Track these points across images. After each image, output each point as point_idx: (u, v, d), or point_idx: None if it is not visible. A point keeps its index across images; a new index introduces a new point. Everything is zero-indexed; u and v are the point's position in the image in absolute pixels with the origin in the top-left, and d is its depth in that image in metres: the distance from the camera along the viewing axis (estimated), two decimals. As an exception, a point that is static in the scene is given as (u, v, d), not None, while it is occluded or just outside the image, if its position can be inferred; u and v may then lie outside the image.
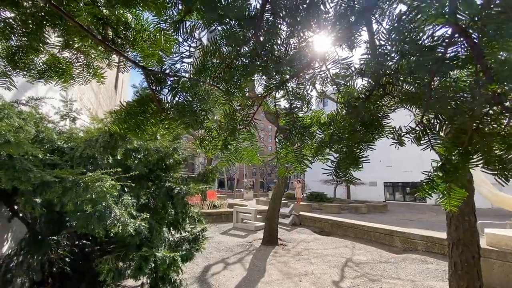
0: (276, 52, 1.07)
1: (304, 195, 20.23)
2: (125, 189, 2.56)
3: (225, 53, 1.08)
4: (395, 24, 0.78)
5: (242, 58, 1.07)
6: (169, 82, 1.10)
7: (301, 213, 10.62)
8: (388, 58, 0.86)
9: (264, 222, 9.00)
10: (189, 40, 1.07)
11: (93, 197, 1.75)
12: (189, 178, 3.60)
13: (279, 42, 1.05)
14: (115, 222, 2.02)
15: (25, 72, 1.18)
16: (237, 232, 8.63)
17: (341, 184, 28.44)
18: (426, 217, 14.61)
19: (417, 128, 1.04)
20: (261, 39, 1.00)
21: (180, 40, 1.08)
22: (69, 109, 3.25)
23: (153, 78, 1.07)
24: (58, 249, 3.04)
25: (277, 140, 1.37)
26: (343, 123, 1.12)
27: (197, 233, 3.64)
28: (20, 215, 2.70)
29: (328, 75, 1.16)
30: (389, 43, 0.82)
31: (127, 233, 2.02)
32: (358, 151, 1.11)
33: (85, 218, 1.94)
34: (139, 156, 2.81)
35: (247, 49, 1.06)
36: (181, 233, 3.72)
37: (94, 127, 3.15)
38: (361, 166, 1.12)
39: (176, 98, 1.09)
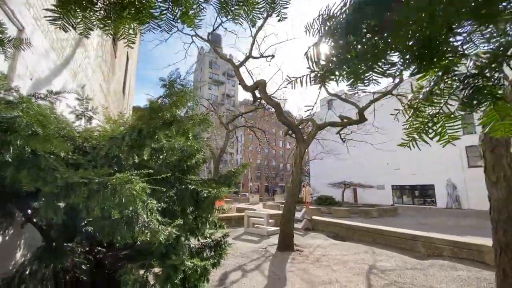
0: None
1: (312, 199, 19.88)
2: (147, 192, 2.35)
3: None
4: None
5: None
6: None
7: (313, 217, 10.33)
8: None
9: (276, 227, 8.74)
10: None
11: (123, 201, 1.54)
12: (210, 180, 3.38)
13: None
14: (143, 229, 1.81)
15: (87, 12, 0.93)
16: (249, 237, 8.37)
17: (349, 188, 28.03)
18: (439, 221, 14.20)
19: None
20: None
21: None
22: (85, 108, 3.07)
23: None
24: (73, 256, 2.84)
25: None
26: None
27: (219, 239, 3.40)
28: (34, 220, 2.51)
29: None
30: None
31: (157, 241, 1.80)
32: None
33: (110, 225, 1.73)
34: (161, 157, 2.60)
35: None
36: (198, 239, 3.50)
37: (109, 127, 2.97)
38: None
39: None
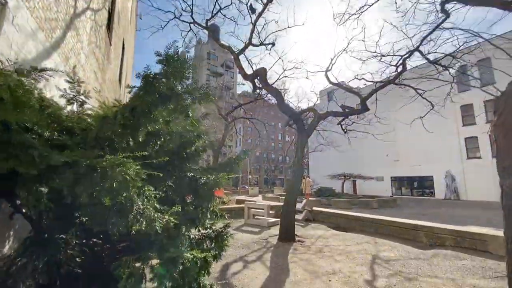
0: None
1: (312, 190, 19.87)
2: (143, 177, 2.20)
3: None
4: None
5: None
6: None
7: (314, 208, 10.26)
8: None
9: (276, 218, 8.67)
10: None
11: (114, 186, 1.38)
12: (209, 169, 3.23)
13: None
14: (138, 217, 1.65)
15: None
16: (249, 228, 8.29)
17: (349, 179, 28.08)
18: (438, 212, 14.23)
19: None
20: None
21: None
22: (77, 91, 2.87)
23: None
24: (67, 249, 2.70)
25: None
26: None
27: (220, 230, 3.27)
28: (23, 210, 2.35)
29: None
30: None
31: (153, 230, 1.65)
32: None
33: (102, 213, 1.58)
34: (158, 142, 2.43)
35: None
36: (199, 230, 3.37)
37: (103, 112, 2.78)
38: None
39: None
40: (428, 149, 27.62)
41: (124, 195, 1.57)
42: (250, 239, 6.70)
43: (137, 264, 2.45)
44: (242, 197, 22.17)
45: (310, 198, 16.34)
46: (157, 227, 1.64)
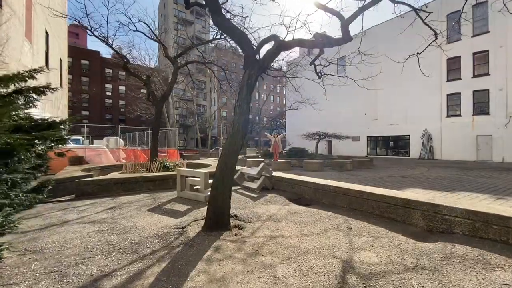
0: None
1: (284, 151, 17.78)
2: None
3: None
4: None
5: None
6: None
7: (274, 174, 7.99)
8: None
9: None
10: None
11: None
12: None
13: None
14: None
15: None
16: (177, 205, 5.86)
17: (324, 139, 26.39)
18: (419, 173, 12.75)
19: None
20: None
21: None
22: None
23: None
24: None
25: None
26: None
27: None
28: None
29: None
30: None
31: None
32: None
33: None
34: None
35: None
36: None
37: None
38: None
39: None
40: (407, 107, 26.15)
41: None
42: (157, 228, 4.25)
43: None
44: (205, 160, 19.76)
45: (279, 160, 14.24)
46: None
